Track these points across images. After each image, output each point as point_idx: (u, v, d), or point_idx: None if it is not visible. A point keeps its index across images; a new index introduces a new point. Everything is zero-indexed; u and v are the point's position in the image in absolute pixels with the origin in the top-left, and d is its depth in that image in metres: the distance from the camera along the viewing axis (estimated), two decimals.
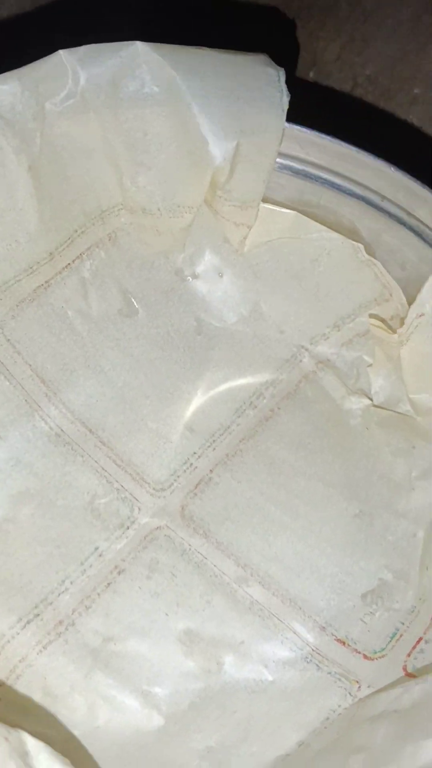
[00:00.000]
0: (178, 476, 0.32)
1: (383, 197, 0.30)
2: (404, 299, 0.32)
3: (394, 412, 0.33)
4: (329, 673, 0.28)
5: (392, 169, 0.28)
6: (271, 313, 0.35)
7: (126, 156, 0.30)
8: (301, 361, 0.35)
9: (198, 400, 0.34)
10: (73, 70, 0.27)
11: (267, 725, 0.27)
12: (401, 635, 0.28)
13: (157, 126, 0.29)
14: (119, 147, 0.30)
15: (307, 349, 0.35)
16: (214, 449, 0.33)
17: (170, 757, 0.26)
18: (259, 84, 0.28)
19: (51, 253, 0.31)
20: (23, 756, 0.20)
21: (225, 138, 0.29)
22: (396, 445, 0.32)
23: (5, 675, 0.28)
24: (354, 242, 0.32)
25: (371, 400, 0.34)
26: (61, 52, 0.27)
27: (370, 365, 0.34)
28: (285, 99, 0.28)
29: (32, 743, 0.21)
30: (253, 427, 0.34)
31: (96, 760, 0.26)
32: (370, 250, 0.32)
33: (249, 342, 0.35)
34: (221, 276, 0.35)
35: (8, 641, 0.29)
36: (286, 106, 0.28)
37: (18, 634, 0.29)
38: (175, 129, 0.29)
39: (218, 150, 0.29)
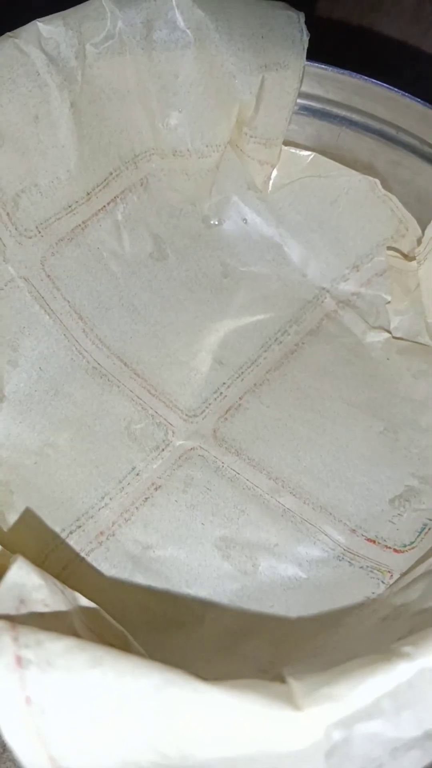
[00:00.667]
0: (209, 404, 0.34)
1: (399, 128, 0.32)
2: (420, 232, 0.34)
3: (413, 342, 0.35)
4: (361, 567, 0.29)
5: (407, 97, 0.31)
6: (294, 257, 0.37)
7: (158, 98, 0.33)
8: (323, 301, 0.37)
9: (225, 337, 0.36)
10: (112, 13, 0.30)
11: (305, 605, 0.27)
12: (429, 528, 0.29)
13: (187, 68, 0.32)
14: (152, 89, 0.32)
15: (328, 291, 0.37)
16: (243, 380, 0.35)
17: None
18: (280, 24, 0.31)
19: (88, 194, 0.34)
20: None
21: (250, 72, 0.31)
22: (417, 368, 0.34)
23: None
24: (371, 178, 0.34)
25: (391, 333, 0.36)
26: None
27: (389, 302, 0.36)
28: (305, 37, 0.31)
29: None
30: (279, 360, 0.35)
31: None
32: (386, 185, 0.34)
33: (273, 284, 0.37)
34: (245, 222, 0.37)
35: (52, 550, 0.30)
36: (306, 44, 0.31)
37: (62, 543, 0.30)
38: (204, 70, 0.32)
39: (244, 84, 0.31)
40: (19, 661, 0.17)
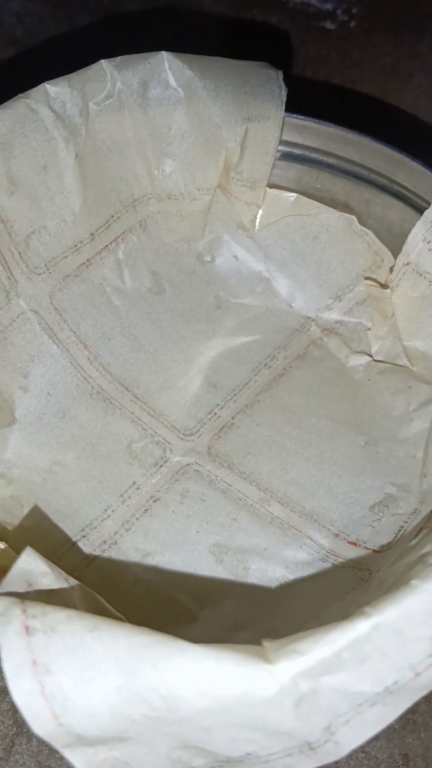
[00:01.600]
0: (204, 423, 0.37)
1: (370, 170, 0.35)
2: (394, 262, 0.37)
3: (393, 364, 0.38)
4: (343, 567, 0.31)
5: (376, 142, 0.34)
6: (281, 290, 0.40)
7: (154, 148, 0.36)
8: (308, 329, 0.40)
9: (218, 362, 0.39)
10: (111, 75, 0.34)
11: (291, 602, 0.30)
12: (406, 530, 0.31)
13: (178, 120, 0.36)
14: (148, 140, 0.36)
15: (313, 320, 0.40)
16: (235, 401, 0.38)
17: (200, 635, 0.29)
18: (261, 81, 0.35)
19: (92, 234, 0.37)
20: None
21: (234, 124, 0.35)
22: (395, 387, 0.37)
23: None
24: (347, 215, 0.37)
25: (372, 357, 0.38)
26: (102, 61, 0.33)
27: (369, 329, 0.39)
28: (283, 92, 0.35)
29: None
30: (268, 382, 0.38)
31: None
32: (362, 221, 0.37)
33: (262, 314, 0.40)
34: (236, 258, 0.40)
35: (59, 557, 0.33)
36: (284, 98, 0.35)
37: (68, 551, 0.33)
38: (194, 122, 0.35)
39: (230, 134, 0.35)
40: (27, 629, 0.20)
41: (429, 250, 0.34)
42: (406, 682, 0.18)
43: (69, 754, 0.20)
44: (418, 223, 0.33)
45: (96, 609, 0.24)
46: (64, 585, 0.23)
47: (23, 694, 0.19)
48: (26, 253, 0.35)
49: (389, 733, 0.30)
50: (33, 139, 0.33)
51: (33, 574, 0.22)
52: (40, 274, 0.36)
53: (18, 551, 0.29)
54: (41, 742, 0.19)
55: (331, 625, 0.19)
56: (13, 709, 0.29)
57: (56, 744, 0.19)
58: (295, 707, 0.18)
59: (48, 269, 0.36)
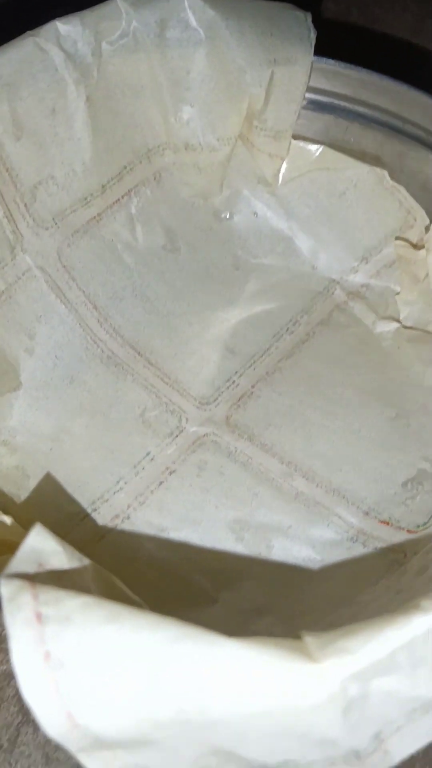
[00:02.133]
0: (222, 392, 0.35)
1: (405, 120, 0.33)
2: (428, 221, 0.34)
3: (424, 331, 0.35)
4: (375, 548, 0.29)
5: (412, 89, 0.31)
6: (304, 250, 0.38)
7: (171, 93, 0.33)
8: (333, 293, 0.37)
9: (237, 326, 0.36)
10: (127, 13, 0.31)
11: (318, 585, 0.28)
12: None
13: (199, 64, 0.33)
14: (165, 84, 0.33)
15: (338, 282, 0.37)
16: (255, 369, 0.35)
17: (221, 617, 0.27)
18: (288, 23, 0.32)
19: (103, 186, 0.34)
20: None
21: (260, 67, 0.32)
22: (427, 356, 0.35)
23: None
24: (378, 169, 0.34)
25: (401, 323, 0.36)
26: None
27: (398, 294, 0.36)
28: (312, 35, 0.32)
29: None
30: (291, 349, 0.36)
31: None
32: (393, 176, 0.34)
33: (283, 276, 0.38)
34: (256, 215, 0.38)
35: (68, 533, 0.31)
36: (313, 41, 0.32)
37: (77, 526, 0.31)
38: (215, 65, 0.33)
39: (254, 78, 0.32)
40: (39, 617, 0.17)
41: None
42: None
43: (85, 759, 0.18)
44: None
45: (112, 593, 0.22)
46: (76, 565, 0.21)
47: (34, 691, 0.17)
48: (32, 205, 0.33)
49: None
50: (41, 80, 0.30)
51: (43, 554, 0.20)
52: (47, 229, 0.33)
53: (25, 526, 0.27)
54: None
55: (382, 619, 0.17)
56: (19, 696, 0.27)
57: (71, 747, 0.17)
58: (343, 714, 0.16)
59: (56, 223, 0.34)
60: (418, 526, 0.29)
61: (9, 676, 0.28)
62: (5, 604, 0.18)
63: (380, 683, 0.16)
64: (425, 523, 0.29)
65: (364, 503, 0.31)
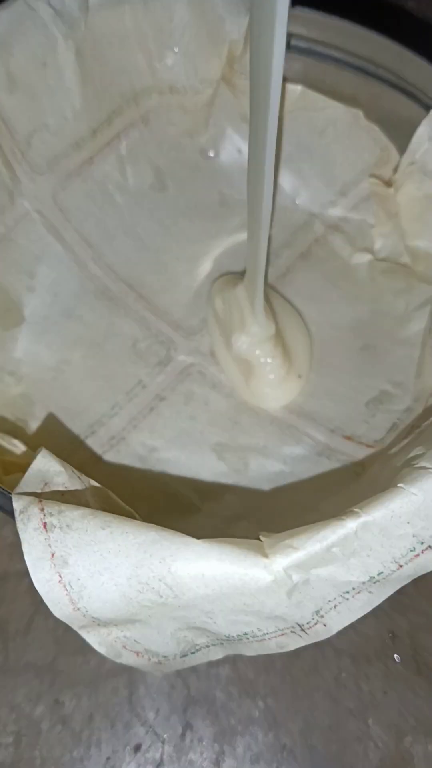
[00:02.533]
0: (207, 323, 0.38)
1: (378, 65, 0.34)
2: (399, 158, 0.36)
3: (396, 263, 0.38)
4: (338, 460, 0.33)
5: (383, 37, 0.33)
6: (286, 186, 0.40)
7: (155, 40, 0.35)
8: (313, 226, 0.40)
9: (223, 261, 0.39)
10: None
11: (288, 494, 0.32)
12: (398, 426, 0.33)
13: (180, 11, 0.34)
14: (149, 32, 0.35)
15: (318, 216, 0.40)
16: None
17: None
18: None
19: (94, 131, 0.36)
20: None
21: (238, 14, 0.33)
22: (397, 287, 0.37)
23: None
24: (354, 109, 0.36)
25: (374, 255, 0.39)
26: None
27: (373, 226, 0.39)
28: None
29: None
30: (272, 283, 0.39)
31: None
32: (369, 116, 0.36)
33: None
34: (240, 152, 0.40)
35: (70, 453, 0.34)
36: None
37: (79, 446, 0.35)
38: (196, 12, 0.34)
39: (233, 25, 0.34)
40: (45, 525, 0.21)
41: None
42: (389, 573, 0.20)
43: (85, 635, 0.22)
44: (424, 122, 0.33)
45: (108, 505, 0.26)
46: (77, 483, 0.25)
47: (44, 583, 0.21)
48: (28, 152, 0.35)
49: (379, 614, 0.32)
50: (32, 37, 0.32)
51: (48, 474, 0.24)
52: (42, 174, 0.36)
53: (32, 449, 0.30)
54: (58, 620, 0.21)
55: (323, 522, 0.20)
56: (31, 591, 0.32)
57: (74, 626, 0.22)
58: (288, 595, 0.20)
59: (50, 168, 0.36)
60: (376, 441, 0.33)
61: (22, 575, 0.32)
62: (17, 516, 0.22)
63: (319, 571, 0.20)
64: (382, 438, 0.33)
65: (331, 423, 0.35)
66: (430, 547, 0.20)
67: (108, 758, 0.31)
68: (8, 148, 0.34)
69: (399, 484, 0.20)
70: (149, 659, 0.23)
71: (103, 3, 0.33)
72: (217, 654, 0.23)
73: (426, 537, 0.20)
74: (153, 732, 0.31)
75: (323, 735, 0.31)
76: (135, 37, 0.35)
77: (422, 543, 0.20)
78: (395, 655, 0.32)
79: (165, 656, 0.23)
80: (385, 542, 0.20)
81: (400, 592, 0.33)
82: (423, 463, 0.21)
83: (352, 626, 0.26)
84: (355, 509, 0.20)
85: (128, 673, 0.32)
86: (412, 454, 0.23)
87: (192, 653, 0.23)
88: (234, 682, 0.32)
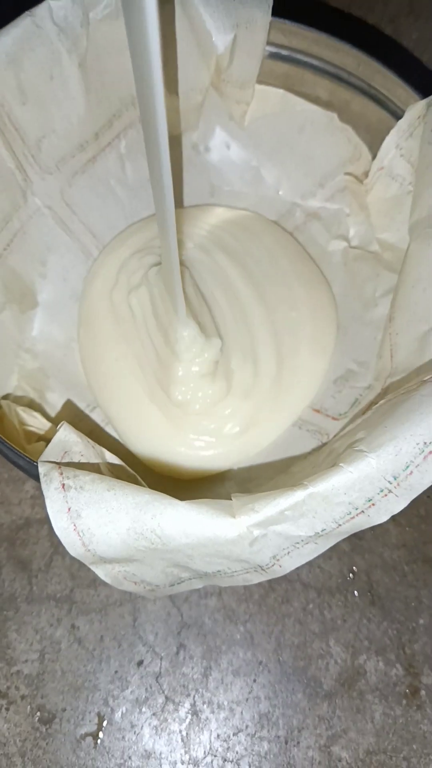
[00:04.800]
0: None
1: (350, 73, 0.38)
2: (370, 157, 0.41)
3: (366, 251, 0.43)
4: (308, 430, 0.39)
5: (354, 48, 0.37)
6: (269, 178, 0.44)
7: None
8: (294, 214, 0.44)
9: None
10: None
11: (264, 458, 0.38)
12: (359, 402, 0.38)
13: (172, 26, 0.38)
14: None
15: (299, 205, 0.44)
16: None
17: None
18: None
19: (96, 133, 0.41)
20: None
21: (224, 31, 0.37)
22: (366, 273, 0.42)
23: None
24: (329, 112, 0.40)
25: (349, 243, 0.43)
26: None
27: (348, 215, 0.43)
28: None
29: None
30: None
31: None
32: (342, 118, 0.40)
33: (252, 200, 0.45)
34: (229, 148, 0.44)
35: (80, 420, 0.40)
36: (271, 3, 0.36)
37: (87, 415, 0.40)
38: (186, 28, 0.38)
39: (219, 41, 0.37)
40: (63, 486, 0.27)
41: (401, 155, 0.37)
42: (331, 530, 0.26)
43: (94, 568, 0.28)
44: (392, 132, 0.37)
45: (115, 471, 0.31)
46: (91, 453, 0.30)
47: (62, 530, 0.27)
48: (38, 155, 0.39)
49: (340, 554, 0.39)
50: (40, 53, 0.36)
51: (68, 443, 0.30)
52: (51, 173, 0.40)
53: (47, 417, 0.36)
54: (73, 559, 0.27)
55: (280, 490, 0.26)
56: (50, 535, 0.38)
57: (85, 562, 0.28)
58: (250, 545, 0.26)
59: (58, 168, 0.40)
60: (340, 414, 0.39)
61: (42, 521, 0.39)
62: (42, 478, 0.27)
63: (275, 528, 0.26)
64: (346, 412, 0.38)
65: (305, 399, 0.40)
66: (362, 512, 0.25)
67: (116, 671, 0.38)
68: (20, 153, 0.38)
69: (340, 464, 0.26)
70: (144, 587, 0.29)
71: (103, 18, 0.37)
72: (198, 584, 0.29)
73: (359, 504, 0.25)
74: (152, 650, 0.38)
75: (292, 653, 0.38)
76: None
77: (356, 509, 0.25)
78: (354, 591, 0.38)
79: (157, 585, 0.29)
80: (327, 508, 0.25)
81: (358, 537, 0.39)
82: (361, 447, 0.26)
83: (317, 564, 0.32)
84: (304, 482, 0.26)
85: (131, 602, 0.38)
86: (356, 437, 0.28)
87: (178, 584, 0.29)
88: (219, 610, 0.38)
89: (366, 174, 0.42)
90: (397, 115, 0.37)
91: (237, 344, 0.40)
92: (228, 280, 0.42)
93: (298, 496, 0.25)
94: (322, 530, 0.26)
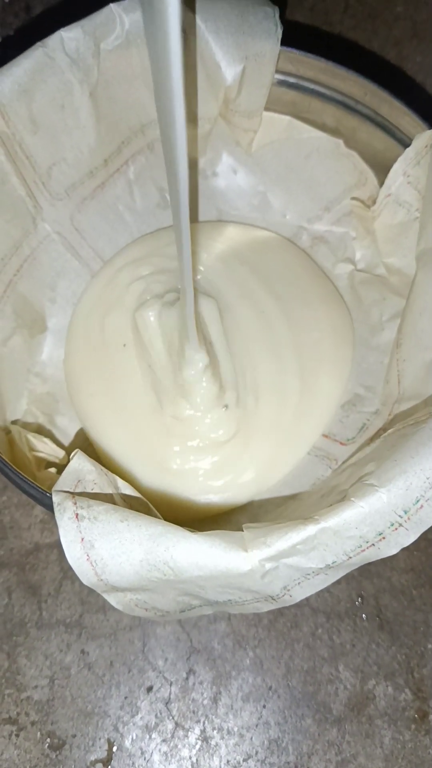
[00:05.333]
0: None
1: (357, 101, 0.39)
2: (377, 182, 0.41)
3: (372, 274, 0.43)
4: (316, 456, 0.39)
5: (361, 78, 0.37)
6: (276, 202, 0.45)
7: None
8: (301, 238, 0.45)
9: None
10: (120, 17, 0.36)
11: (275, 486, 0.38)
12: (367, 427, 0.38)
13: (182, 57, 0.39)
14: None
15: (305, 229, 0.45)
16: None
17: None
18: (258, 19, 0.37)
19: (105, 160, 0.41)
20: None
21: (234, 63, 0.37)
22: (372, 297, 0.42)
23: None
24: (335, 138, 0.41)
25: (355, 266, 0.44)
26: (111, 5, 0.36)
27: (354, 239, 0.44)
28: (279, 30, 0.37)
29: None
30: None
31: None
32: (348, 145, 0.41)
33: (259, 224, 0.45)
34: (236, 173, 0.45)
35: (87, 447, 0.40)
36: (280, 35, 0.37)
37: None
38: (196, 58, 0.38)
39: (229, 73, 0.38)
40: (77, 516, 0.27)
41: (408, 183, 0.38)
42: (341, 562, 0.26)
43: (106, 596, 0.28)
44: (399, 159, 0.37)
45: (128, 499, 0.32)
46: (104, 482, 0.30)
47: (75, 559, 0.27)
48: (48, 182, 0.39)
49: (348, 578, 0.39)
50: (51, 83, 0.36)
51: (81, 473, 0.30)
52: (61, 200, 0.41)
53: (57, 443, 0.36)
54: (82, 584, 0.27)
55: (292, 524, 0.26)
56: (59, 560, 0.38)
57: (98, 590, 0.28)
58: (261, 578, 0.26)
59: (68, 195, 0.41)
60: (348, 440, 0.39)
61: (52, 546, 0.39)
62: (56, 508, 0.28)
63: (286, 561, 0.26)
64: (353, 438, 0.39)
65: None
66: (373, 545, 0.26)
67: (126, 697, 0.38)
68: (31, 180, 0.39)
69: (351, 498, 0.26)
70: (155, 614, 0.30)
71: (113, 49, 0.38)
72: (208, 611, 0.30)
73: (370, 538, 0.25)
74: (162, 676, 0.38)
75: (302, 678, 0.38)
76: (141, 77, 0.39)
77: (367, 542, 0.25)
78: (362, 615, 0.39)
79: (167, 612, 0.29)
80: (338, 541, 0.26)
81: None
82: (371, 480, 0.26)
83: (326, 589, 0.32)
84: (316, 517, 0.26)
85: (141, 627, 0.38)
86: (365, 471, 0.28)
87: (188, 610, 0.29)
88: (229, 635, 0.38)
89: (372, 199, 0.42)
90: (404, 143, 0.38)
91: (262, 374, 0.40)
92: (253, 296, 0.42)
93: (309, 530, 0.26)
94: (333, 562, 0.26)
